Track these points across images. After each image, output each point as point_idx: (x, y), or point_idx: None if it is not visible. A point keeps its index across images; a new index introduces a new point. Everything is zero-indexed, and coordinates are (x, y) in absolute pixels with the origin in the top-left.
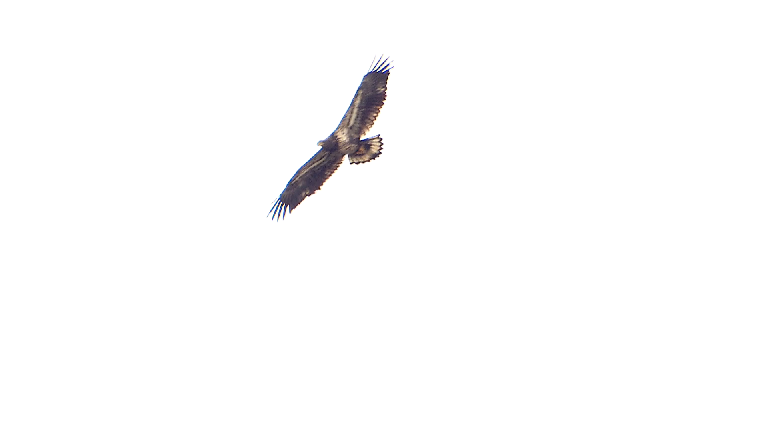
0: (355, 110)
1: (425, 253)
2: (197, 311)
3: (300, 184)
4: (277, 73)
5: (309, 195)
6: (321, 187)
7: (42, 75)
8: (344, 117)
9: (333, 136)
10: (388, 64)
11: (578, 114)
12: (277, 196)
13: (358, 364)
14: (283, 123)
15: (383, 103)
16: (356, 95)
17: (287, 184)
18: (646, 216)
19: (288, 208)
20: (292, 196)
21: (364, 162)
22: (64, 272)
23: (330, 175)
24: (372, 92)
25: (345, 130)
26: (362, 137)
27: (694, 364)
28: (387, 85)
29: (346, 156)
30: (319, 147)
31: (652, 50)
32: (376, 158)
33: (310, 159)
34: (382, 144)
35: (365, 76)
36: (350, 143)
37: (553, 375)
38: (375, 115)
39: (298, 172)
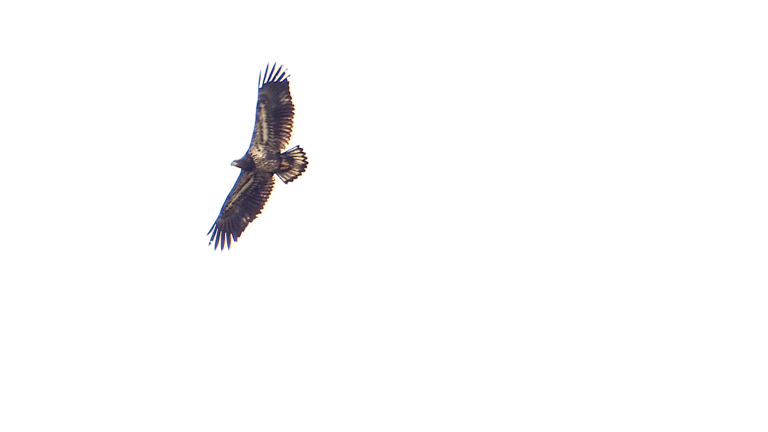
0: (264, 125)
1: (381, 259)
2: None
3: (236, 210)
4: (177, 83)
5: (250, 221)
6: (261, 210)
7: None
8: (254, 133)
9: (248, 154)
10: (284, 73)
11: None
12: (213, 223)
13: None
14: (195, 142)
15: (293, 113)
16: (258, 109)
17: (221, 211)
18: (646, 216)
19: (232, 236)
20: (232, 223)
21: (295, 177)
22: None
23: (266, 198)
24: (276, 104)
25: (260, 147)
26: (282, 151)
27: (694, 364)
28: (291, 94)
29: (275, 175)
30: (235, 166)
31: (647, 50)
32: (305, 170)
33: (236, 182)
34: (305, 153)
35: (260, 90)
36: (269, 159)
37: (552, 375)
38: (288, 126)
39: (229, 197)
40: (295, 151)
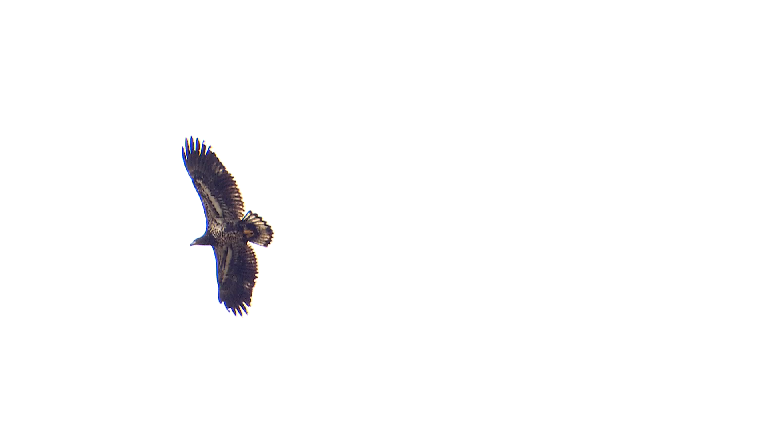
0: (212, 198)
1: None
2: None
3: (234, 279)
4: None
5: (252, 285)
6: (256, 273)
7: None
8: (205, 210)
9: (207, 231)
10: (204, 146)
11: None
12: (218, 297)
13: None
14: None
15: (234, 181)
16: (198, 186)
17: (218, 284)
18: (646, 217)
19: (244, 303)
20: (237, 292)
21: (269, 240)
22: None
23: (255, 261)
24: (213, 176)
25: (218, 221)
26: (240, 219)
27: (694, 364)
28: (222, 164)
29: (250, 243)
30: (196, 245)
31: (647, 50)
32: (272, 232)
33: (216, 257)
34: (260, 217)
35: (188, 167)
36: (229, 231)
37: (552, 376)
38: (236, 194)
39: (219, 271)
40: (251, 218)
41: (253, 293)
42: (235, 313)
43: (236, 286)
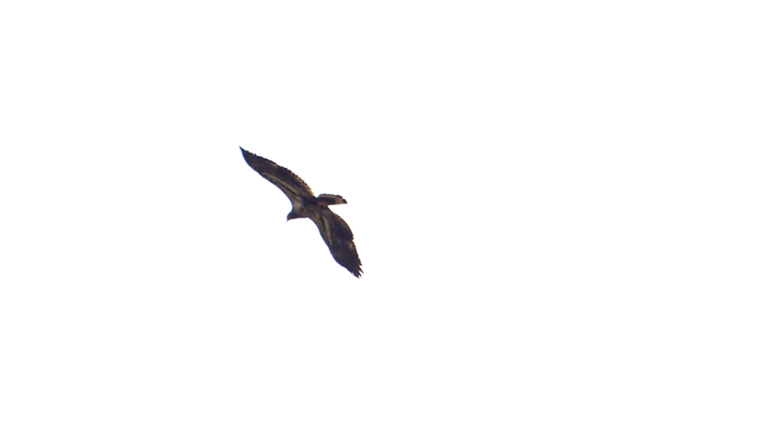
0: (283, 182)
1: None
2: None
3: (339, 242)
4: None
5: (353, 243)
6: (351, 232)
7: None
8: (284, 192)
9: (292, 208)
10: (251, 154)
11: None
12: (336, 261)
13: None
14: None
15: (289, 170)
16: (264, 177)
17: (330, 248)
18: (646, 217)
19: (357, 263)
20: (347, 254)
21: (345, 201)
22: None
23: (346, 224)
24: (271, 171)
25: (297, 198)
26: (313, 195)
27: (694, 364)
28: (274, 163)
29: (329, 207)
30: (290, 219)
31: (647, 50)
32: (343, 197)
33: (316, 226)
34: (326, 194)
35: (251, 166)
36: (307, 206)
37: (552, 376)
38: (298, 178)
39: (324, 237)
40: (323, 196)
41: (358, 251)
42: (355, 274)
43: (343, 246)
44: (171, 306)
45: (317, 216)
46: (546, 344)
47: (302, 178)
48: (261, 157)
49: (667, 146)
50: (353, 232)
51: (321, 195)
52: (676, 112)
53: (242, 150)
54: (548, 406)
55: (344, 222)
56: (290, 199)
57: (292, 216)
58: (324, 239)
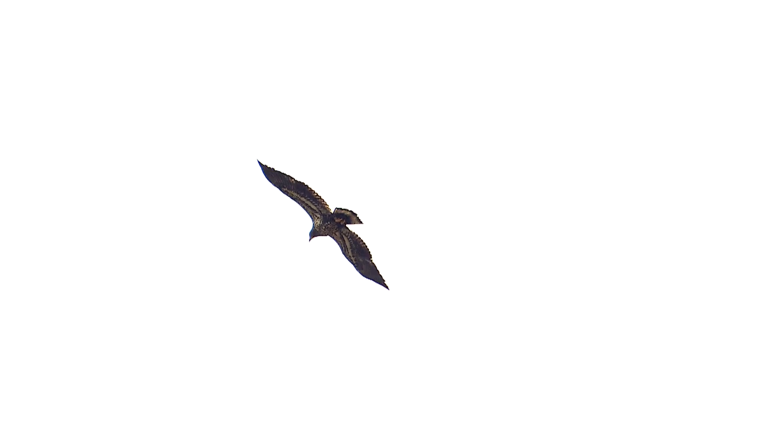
0: (302, 199)
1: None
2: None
3: (360, 260)
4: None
5: (372, 260)
6: (369, 251)
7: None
8: (305, 209)
9: (313, 225)
10: (269, 168)
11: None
12: (363, 276)
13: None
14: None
15: (306, 185)
16: (285, 193)
17: (355, 267)
18: (646, 217)
19: (379, 278)
20: (370, 271)
21: (359, 220)
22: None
23: (363, 242)
24: (287, 184)
25: (317, 216)
26: (330, 213)
27: (694, 364)
28: (290, 174)
29: (347, 226)
30: (312, 238)
31: (647, 50)
32: (357, 214)
33: (338, 245)
34: (340, 208)
35: (271, 183)
36: (325, 223)
37: (553, 376)
38: (315, 194)
39: (347, 257)
40: (338, 210)
41: (379, 269)
42: (385, 287)
43: (365, 264)
44: (196, 324)
45: (338, 235)
46: (563, 349)
47: (319, 194)
48: (280, 172)
49: (667, 146)
50: (370, 251)
51: (336, 210)
52: (676, 112)
53: (261, 165)
54: (555, 408)
55: (362, 241)
56: (311, 217)
57: (313, 234)
58: (347, 258)
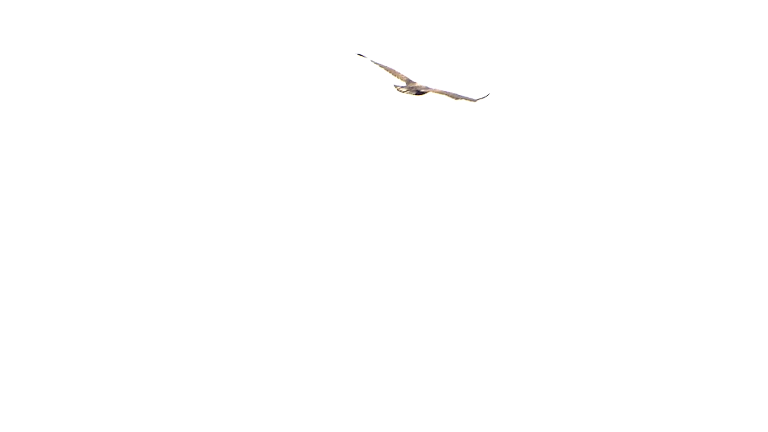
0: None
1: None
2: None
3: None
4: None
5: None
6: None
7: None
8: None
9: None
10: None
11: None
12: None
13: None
14: None
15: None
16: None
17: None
18: (646, 217)
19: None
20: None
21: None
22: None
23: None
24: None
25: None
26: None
27: (694, 364)
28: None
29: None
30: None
31: (647, 50)
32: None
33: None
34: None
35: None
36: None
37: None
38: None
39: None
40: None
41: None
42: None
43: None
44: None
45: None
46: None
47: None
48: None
49: (668, 146)
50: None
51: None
52: (676, 112)
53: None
54: (555, 407)
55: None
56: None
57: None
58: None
